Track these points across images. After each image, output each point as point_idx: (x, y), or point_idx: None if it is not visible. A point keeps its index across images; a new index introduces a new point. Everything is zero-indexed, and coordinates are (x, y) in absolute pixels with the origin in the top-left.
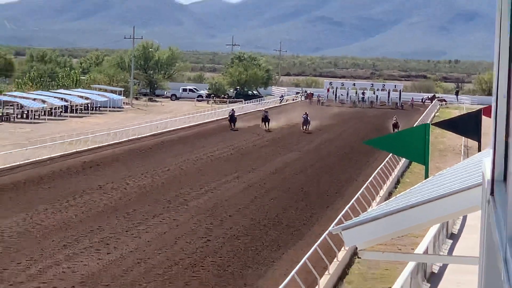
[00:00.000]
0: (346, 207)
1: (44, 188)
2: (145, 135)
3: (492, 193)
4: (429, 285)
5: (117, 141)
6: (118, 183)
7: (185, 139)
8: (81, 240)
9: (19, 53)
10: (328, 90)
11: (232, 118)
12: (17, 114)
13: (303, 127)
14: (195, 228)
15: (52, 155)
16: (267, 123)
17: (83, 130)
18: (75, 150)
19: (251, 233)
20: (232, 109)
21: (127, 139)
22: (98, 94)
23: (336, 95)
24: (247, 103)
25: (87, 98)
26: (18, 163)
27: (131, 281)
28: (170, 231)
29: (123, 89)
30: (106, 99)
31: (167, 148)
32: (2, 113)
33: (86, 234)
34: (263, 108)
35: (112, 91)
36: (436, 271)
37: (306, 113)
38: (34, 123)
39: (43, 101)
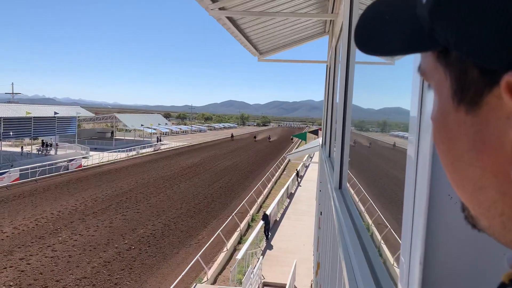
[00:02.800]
0: (285, 153)
1: (198, 151)
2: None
3: (322, 147)
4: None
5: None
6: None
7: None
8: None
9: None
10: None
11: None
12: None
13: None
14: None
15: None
16: (255, 138)
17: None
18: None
19: (266, 153)
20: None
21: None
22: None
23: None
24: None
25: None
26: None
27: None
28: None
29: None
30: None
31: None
32: (184, 131)
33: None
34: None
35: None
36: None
37: (269, 135)
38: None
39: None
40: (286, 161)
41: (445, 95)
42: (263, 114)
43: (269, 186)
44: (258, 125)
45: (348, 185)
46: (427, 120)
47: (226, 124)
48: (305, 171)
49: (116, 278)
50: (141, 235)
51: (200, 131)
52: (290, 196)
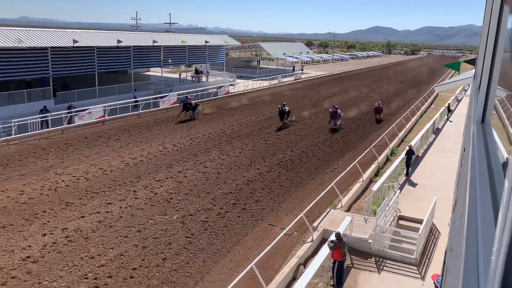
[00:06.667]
0: (431, 87)
1: (338, 81)
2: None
3: (474, 78)
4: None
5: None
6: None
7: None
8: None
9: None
10: None
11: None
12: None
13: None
14: None
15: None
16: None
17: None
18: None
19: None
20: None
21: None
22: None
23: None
24: None
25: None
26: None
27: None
28: None
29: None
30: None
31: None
32: (325, 59)
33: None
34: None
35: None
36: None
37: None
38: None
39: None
40: (434, 94)
41: None
42: (413, 41)
43: (413, 120)
44: (406, 53)
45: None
46: None
47: (370, 53)
48: (457, 105)
49: (257, 196)
50: (280, 159)
51: (342, 60)
52: (436, 131)
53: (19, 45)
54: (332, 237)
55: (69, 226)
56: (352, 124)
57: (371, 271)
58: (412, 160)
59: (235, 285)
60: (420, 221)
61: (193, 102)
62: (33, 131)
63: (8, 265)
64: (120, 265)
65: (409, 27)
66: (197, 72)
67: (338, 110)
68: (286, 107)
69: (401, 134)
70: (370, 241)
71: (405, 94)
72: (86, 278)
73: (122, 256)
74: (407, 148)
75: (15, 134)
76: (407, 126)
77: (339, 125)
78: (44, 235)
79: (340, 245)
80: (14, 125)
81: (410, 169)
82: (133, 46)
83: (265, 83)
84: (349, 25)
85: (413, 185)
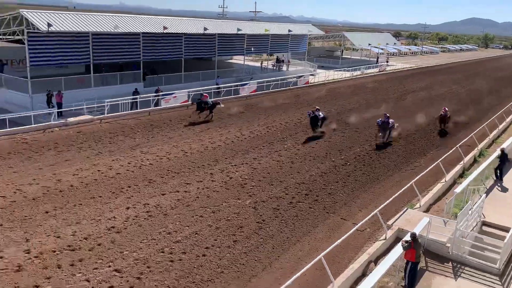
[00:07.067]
0: None
1: (426, 74)
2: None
3: None
4: None
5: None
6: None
7: None
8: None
9: None
10: None
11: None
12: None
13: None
14: None
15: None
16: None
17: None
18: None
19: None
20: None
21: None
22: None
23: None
24: None
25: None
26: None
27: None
28: None
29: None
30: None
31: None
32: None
33: None
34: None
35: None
36: None
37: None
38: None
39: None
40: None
41: None
42: None
43: (507, 119)
44: (505, 47)
45: None
46: None
47: (464, 46)
48: None
49: (330, 188)
50: (357, 153)
51: (432, 52)
52: None
53: (115, 31)
54: (407, 237)
55: (150, 202)
56: (435, 121)
57: (446, 276)
58: (505, 164)
59: (302, 274)
60: (507, 229)
61: (209, 100)
62: (123, 111)
63: (95, 233)
64: (194, 243)
65: (511, 19)
66: (278, 61)
67: (391, 120)
68: (321, 113)
69: (492, 135)
70: (448, 245)
71: (501, 92)
72: (163, 252)
73: (196, 235)
74: (499, 151)
75: (107, 113)
76: (500, 126)
77: (389, 139)
78: (128, 208)
79: (415, 246)
80: (107, 105)
81: (502, 173)
82: (218, 34)
83: (346, 74)
84: (443, 16)
85: (504, 190)
